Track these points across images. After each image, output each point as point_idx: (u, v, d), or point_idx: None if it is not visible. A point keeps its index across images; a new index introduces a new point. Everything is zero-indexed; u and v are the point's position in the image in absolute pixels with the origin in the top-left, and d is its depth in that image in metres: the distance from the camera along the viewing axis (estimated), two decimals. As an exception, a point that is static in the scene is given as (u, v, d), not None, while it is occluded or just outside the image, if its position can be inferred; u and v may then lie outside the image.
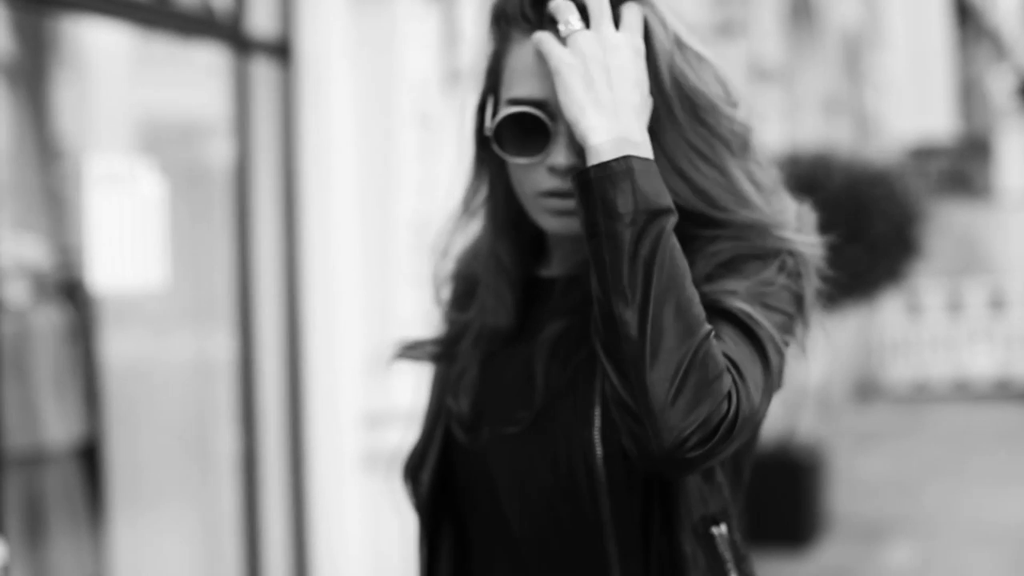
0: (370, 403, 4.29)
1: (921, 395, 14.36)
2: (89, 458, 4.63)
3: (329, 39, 4.33)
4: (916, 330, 14.73)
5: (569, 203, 1.50)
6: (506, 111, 1.51)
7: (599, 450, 1.49)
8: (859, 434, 11.58)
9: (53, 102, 4.95)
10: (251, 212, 4.32)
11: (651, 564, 1.51)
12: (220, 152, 4.51)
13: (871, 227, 6.95)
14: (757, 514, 7.12)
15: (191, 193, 4.67)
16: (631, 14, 1.49)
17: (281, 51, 4.34)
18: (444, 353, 1.70)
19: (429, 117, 4.48)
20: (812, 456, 7.68)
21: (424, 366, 1.75)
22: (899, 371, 14.69)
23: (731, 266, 1.49)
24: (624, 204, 1.36)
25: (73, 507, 4.58)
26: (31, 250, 4.55)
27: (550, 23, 1.49)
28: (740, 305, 1.44)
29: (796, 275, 1.52)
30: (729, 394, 1.35)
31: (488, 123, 1.56)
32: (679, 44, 1.53)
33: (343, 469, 4.37)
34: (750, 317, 1.43)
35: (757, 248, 1.51)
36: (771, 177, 1.59)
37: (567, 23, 1.47)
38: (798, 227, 1.56)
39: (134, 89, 4.96)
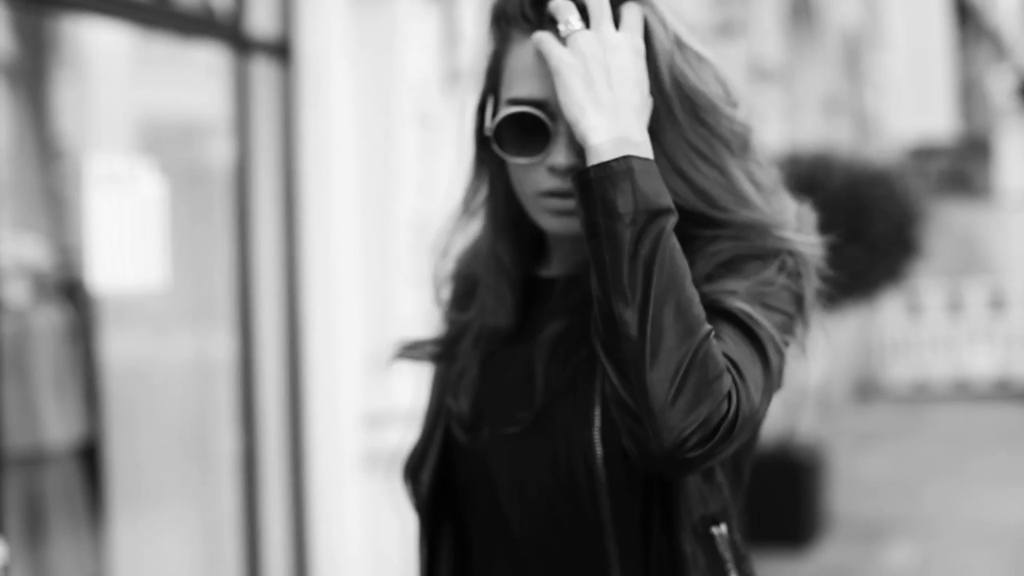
0: (370, 403, 4.29)
1: (921, 395, 14.36)
2: (89, 458, 4.63)
3: (329, 39, 4.33)
4: (916, 330, 14.73)
5: (569, 203, 1.50)
6: (506, 111, 1.51)
7: (599, 450, 1.49)
8: (859, 434, 11.58)
9: (53, 102, 4.95)
10: (251, 212, 4.32)
11: (651, 564, 1.51)
12: (220, 152, 4.51)
13: (871, 227, 6.95)
14: (757, 514, 7.11)
15: (191, 193, 4.67)
16: (631, 14, 1.49)
17: (281, 51, 4.34)
18: (444, 353, 1.70)
19: (429, 117, 4.48)
20: (812, 456, 7.68)
21: (424, 366, 1.75)
22: (899, 371, 14.69)
23: (731, 266, 1.49)
24: (624, 204, 1.36)
25: (73, 507, 4.58)
26: (31, 250, 4.55)
27: (550, 23, 1.49)
28: (740, 305, 1.44)
29: (796, 275, 1.52)
30: (729, 394, 1.35)
31: (488, 123, 1.56)
32: (679, 44, 1.53)
33: (343, 469, 4.36)
34: (750, 317, 1.43)
35: (757, 248, 1.51)
36: (771, 177, 1.59)
37: (567, 23, 1.47)
38: (798, 227, 1.57)
39: (134, 89, 4.96)
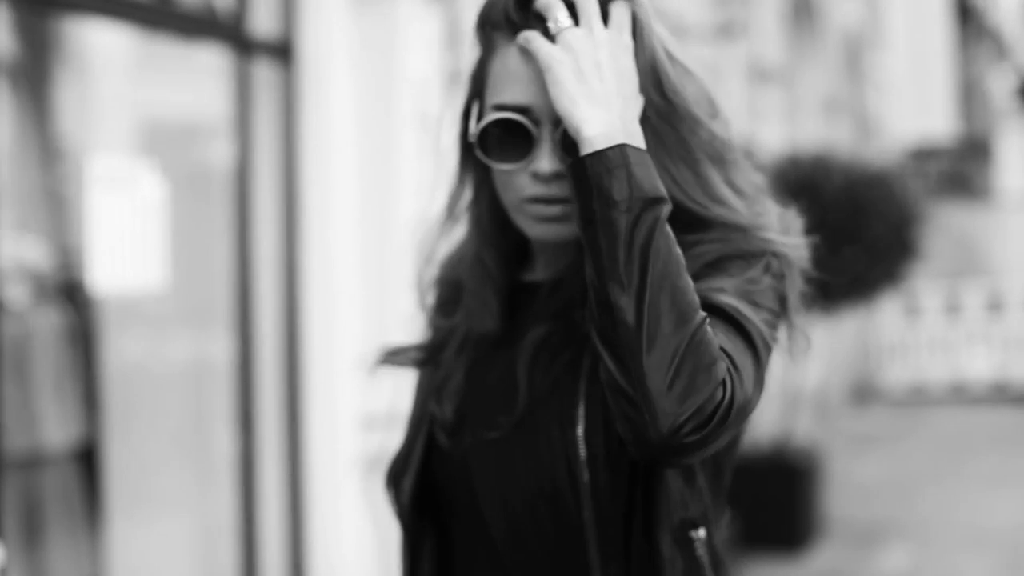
0: (368, 406, 4.29)
1: (918, 398, 14.36)
2: (87, 460, 4.63)
3: (330, 40, 4.33)
4: (914, 332, 14.73)
5: (553, 209, 1.52)
6: (489, 117, 1.53)
7: (582, 452, 1.50)
8: (856, 437, 11.59)
9: (55, 103, 4.95)
10: (251, 213, 4.31)
11: (632, 567, 1.52)
12: (221, 153, 4.51)
13: (869, 229, 6.95)
14: (753, 517, 7.16)
15: (192, 194, 4.67)
16: (619, 12, 1.51)
17: (282, 52, 4.34)
18: (428, 359, 1.71)
19: (430, 118, 4.48)
20: (808, 459, 7.68)
21: (410, 372, 1.75)
22: (896, 374, 14.69)
23: (717, 266, 1.50)
24: (620, 191, 1.37)
25: (71, 509, 4.58)
26: (31, 251, 4.55)
27: (537, 23, 1.51)
28: (728, 300, 1.45)
29: (780, 276, 1.53)
30: (724, 381, 1.36)
31: (472, 128, 1.56)
32: (664, 44, 1.55)
33: (341, 471, 4.37)
34: (738, 311, 1.45)
35: (742, 249, 1.52)
36: (752, 183, 1.61)
37: (556, 20, 1.48)
38: (783, 229, 1.58)
39: (136, 90, 4.96)
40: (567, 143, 1.48)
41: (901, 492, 9.30)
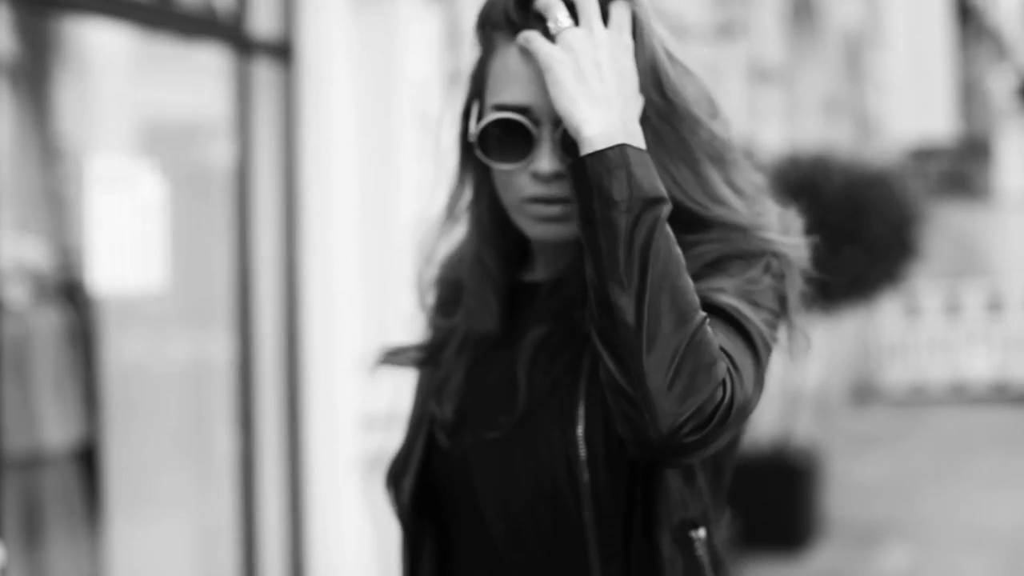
0: (368, 406, 4.29)
1: (918, 398, 14.36)
2: (87, 460, 4.63)
3: (330, 40, 4.33)
4: (914, 332, 14.73)
5: (553, 209, 1.53)
6: (489, 117, 1.53)
7: (583, 451, 1.50)
8: (856, 437, 11.59)
9: (55, 102, 4.95)
10: (251, 213, 4.31)
11: (632, 566, 1.52)
12: (221, 153, 4.51)
13: (869, 229, 6.95)
14: (753, 517, 7.15)
15: (192, 194, 4.67)
16: (620, 12, 1.51)
17: (282, 52, 4.34)
18: (428, 359, 1.71)
19: (430, 118, 4.48)
20: (808, 459, 7.69)
21: (409, 372, 1.75)
22: (896, 374, 14.69)
23: (717, 266, 1.50)
24: (620, 191, 1.37)
25: (71, 509, 4.58)
26: (31, 251, 4.55)
27: (537, 23, 1.51)
28: (728, 300, 1.45)
29: (780, 276, 1.53)
30: (724, 381, 1.36)
31: (472, 129, 1.57)
32: (664, 44, 1.55)
33: (341, 472, 4.37)
34: (738, 311, 1.45)
35: (742, 249, 1.52)
36: (753, 183, 1.61)
37: (556, 20, 1.48)
38: (782, 230, 1.58)
39: (136, 90, 4.96)
40: (567, 143, 1.48)
41: (901, 492, 9.30)
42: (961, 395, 14.30)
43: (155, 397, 4.74)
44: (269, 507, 4.40)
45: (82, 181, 4.45)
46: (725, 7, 8.81)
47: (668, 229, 1.39)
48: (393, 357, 1.74)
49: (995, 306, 14.68)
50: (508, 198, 1.56)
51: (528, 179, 1.53)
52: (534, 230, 1.56)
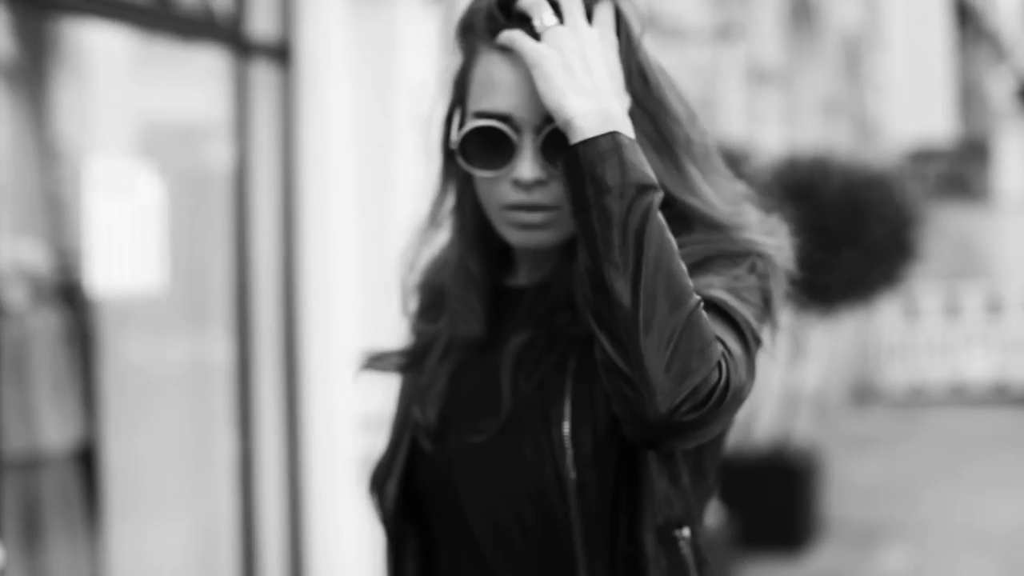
0: (367, 406, 4.29)
1: (917, 399, 14.37)
2: (86, 462, 4.63)
3: (329, 42, 4.33)
4: (913, 334, 14.74)
5: (534, 216, 1.53)
6: (470, 124, 1.53)
7: (569, 450, 1.51)
8: (855, 438, 11.60)
9: (53, 105, 4.95)
10: (250, 215, 4.32)
11: (617, 566, 1.53)
12: (219, 155, 4.51)
13: (868, 231, 6.96)
14: (753, 517, 7.10)
15: (190, 196, 4.67)
16: (604, 11, 1.52)
17: (281, 54, 4.34)
18: (411, 364, 1.71)
19: (425, 120, 4.48)
20: (807, 460, 7.69)
21: (393, 376, 1.76)
22: (895, 375, 14.70)
23: (703, 266, 1.51)
24: (613, 177, 1.38)
25: (70, 511, 4.58)
26: (30, 253, 4.55)
27: (521, 24, 1.52)
28: (717, 294, 1.46)
29: (765, 276, 1.54)
30: (719, 364, 1.37)
31: (454, 135, 1.57)
32: (642, 46, 1.57)
33: (340, 472, 4.37)
34: (727, 304, 1.46)
35: (727, 250, 1.53)
36: (733, 189, 1.62)
37: (541, 19, 1.49)
38: (768, 231, 1.59)
39: (134, 92, 4.96)
40: (548, 151, 1.49)
41: (900, 493, 9.30)
42: (960, 396, 14.31)
43: (154, 398, 4.74)
44: (268, 507, 4.40)
45: (80, 183, 4.46)
46: (724, 9, 8.81)
47: (660, 216, 1.40)
48: (376, 362, 1.74)
49: (994, 308, 14.69)
50: (490, 205, 1.57)
51: (509, 186, 1.53)
52: (516, 237, 1.57)
